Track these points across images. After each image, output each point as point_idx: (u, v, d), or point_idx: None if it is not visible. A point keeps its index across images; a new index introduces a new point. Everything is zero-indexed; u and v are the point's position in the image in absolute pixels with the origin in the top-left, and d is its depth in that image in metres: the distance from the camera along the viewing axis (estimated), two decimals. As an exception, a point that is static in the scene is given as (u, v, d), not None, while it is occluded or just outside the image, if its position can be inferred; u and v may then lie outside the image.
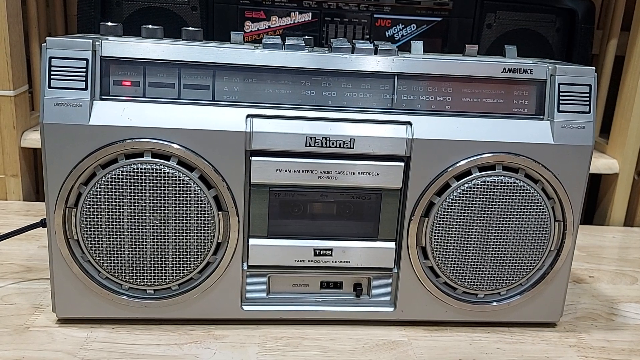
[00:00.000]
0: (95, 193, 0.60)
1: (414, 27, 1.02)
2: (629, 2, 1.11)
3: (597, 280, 0.86)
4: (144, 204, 0.60)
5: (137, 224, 0.61)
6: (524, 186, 0.64)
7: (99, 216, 0.60)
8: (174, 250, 0.62)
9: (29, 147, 1.06)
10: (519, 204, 0.64)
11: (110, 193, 0.60)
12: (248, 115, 0.61)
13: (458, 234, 0.64)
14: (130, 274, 0.62)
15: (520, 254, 0.66)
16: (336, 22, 1.00)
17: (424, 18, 1.02)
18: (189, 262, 0.63)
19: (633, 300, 0.80)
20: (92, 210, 0.60)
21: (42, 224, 0.65)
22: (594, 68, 0.64)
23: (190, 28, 0.65)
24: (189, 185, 0.60)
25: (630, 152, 1.11)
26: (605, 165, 1.12)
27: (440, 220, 0.64)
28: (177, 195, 0.60)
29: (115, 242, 0.61)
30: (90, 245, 0.61)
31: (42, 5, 1.10)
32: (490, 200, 0.64)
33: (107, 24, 0.64)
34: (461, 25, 1.03)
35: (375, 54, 0.64)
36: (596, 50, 1.20)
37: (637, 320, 0.75)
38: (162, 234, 0.61)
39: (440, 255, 0.65)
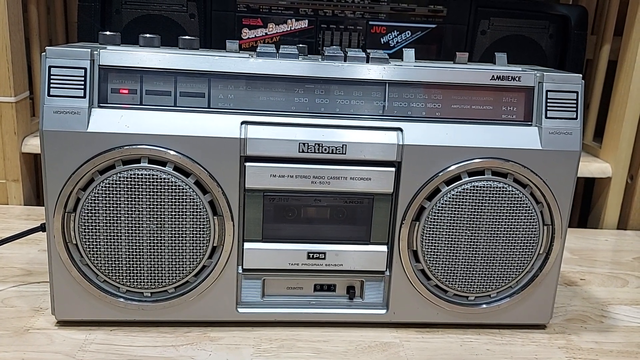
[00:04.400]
0: (94, 198, 0.61)
1: (408, 33, 1.03)
2: (622, 8, 1.13)
3: (589, 283, 0.87)
4: (140, 209, 0.62)
5: (134, 228, 0.62)
6: (512, 191, 0.65)
7: (97, 221, 0.62)
8: (170, 254, 0.63)
9: (30, 153, 1.07)
10: (508, 208, 0.65)
11: (107, 198, 0.61)
12: (242, 122, 0.63)
13: (448, 238, 0.66)
14: (128, 277, 0.64)
15: (509, 257, 0.67)
16: (332, 29, 1.02)
17: (418, 25, 1.03)
18: (185, 266, 0.64)
19: (624, 303, 0.81)
20: (90, 215, 0.61)
21: (42, 228, 0.67)
22: (581, 75, 0.66)
23: (186, 37, 0.67)
24: (184, 191, 0.62)
25: (623, 156, 1.12)
26: (598, 169, 1.13)
27: (430, 224, 0.65)
28: (173, 200, 0.62)
29: (112, 246, 0.62)
30: (88, 249, 0.63)
31: (43, 13, 1.12)
32: (480, 204, 0.65)
33: (105, 33, 0.66)
34: (455, 31, 1.05)
35: (367, 62, 0.65)
36: (590, 56, 1.21)
37: (626, 323, 0.76)
38: (159, 238, 0.63)
39: (431, 259, 0.66)
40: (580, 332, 0.72)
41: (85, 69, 0.60)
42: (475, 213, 0.65)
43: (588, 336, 0.71)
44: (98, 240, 0.62)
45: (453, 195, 0.65)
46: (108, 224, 0.62)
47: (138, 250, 0.63)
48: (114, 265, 0.63)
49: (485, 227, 0.66)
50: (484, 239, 0.66)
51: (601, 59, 1.18)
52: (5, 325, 0.66)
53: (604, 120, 1.17)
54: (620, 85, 1.10)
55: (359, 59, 0.65)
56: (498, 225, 0.66)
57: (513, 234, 0.66)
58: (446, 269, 0.67)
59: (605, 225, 1.16)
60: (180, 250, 0.63)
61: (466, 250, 0.66)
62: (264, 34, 1.01)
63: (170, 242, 0.63)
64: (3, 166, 1.06)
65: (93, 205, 0.61)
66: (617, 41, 1.14)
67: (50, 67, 0.60)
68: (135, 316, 0.66)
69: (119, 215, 0.62)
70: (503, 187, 0.65)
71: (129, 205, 0.61)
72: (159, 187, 0.61)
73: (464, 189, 0.65)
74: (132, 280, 0.64)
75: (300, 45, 0.69)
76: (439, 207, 0.65)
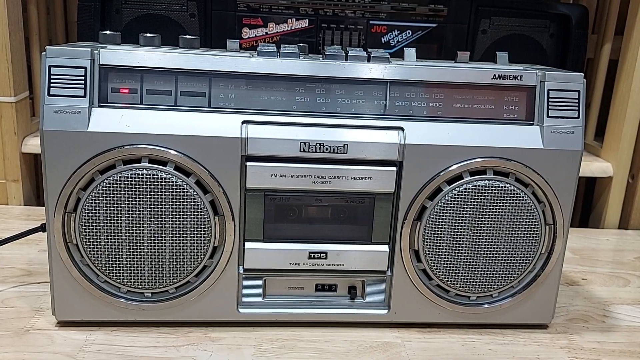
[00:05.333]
0: (94, 198, 0.61)
1: (409, 33, 1.03)
2: (622, 7, 1.13)
3: (591, 283, 0.87)
4: (141, 209, 0.61)
5: (134, 228, 0.62)
6: (514, 190, 0.65)
7: (98, 221, 0.61)
8: (171, 254, 0.63)
9: (30, 153, 1.07)
10: (510, 207, 0.65)
11: (108, 198, 0.61)
12: (243, 122, 0.62)
13: (450, 237, 0.66)
14: (128, 278, 0.63)
15: (511, 257, 0.67)
16: (332, 28, 1.02)
17: (419, 24, 1.03)
18: (185, 266, 0.64)
19: (625, 302, 0.81)
20: (90, 215, 0.61)
21: (42, 228, 0.66)
22: (583, 74, 0.65)
23: (187, 36, 0.67)
24: (185, 191, 0.62)
25: (624, 156, 1.12)
26: (599, 169, 1.13)
27: (432, 224, 0.65)
28: (174, 200, 0.62)
29: (113, 247, 0.62)
30: (89, 250, 0.62)
31: (43, 13, 1.12)
32: (482, 204, 0.65)
33: (105, 32, 0.66)
34: (456, 31, 1.04)
35: (368, 61, 0.65)
36: (591, 55, 1.21)
37: (628, 322, 0.76)
38: (160, 238, 0.62)
39: (433, 258, 0.66)
40: (582, 332, 0.72)
41: (85, 68, 0.60)
42: (477, 213, 0.65)
43: (590, 336, 0.71)
44: (99, 240, 0.62)
45: (454, 194, 0.65)
46: (109, 224, 0.62)
47: (139, 251, 0.63)
48: (114, 265, 0.63)
49: (487, 227, 0.66)
50: (485, 239, 0.66)
51: (602, 58, 1.17)
52: (6, 325, 0.66)
53: (605, 120, 1.16)
54: (621, 84, 1.10)
55: (360, 58, 0.65)
56: (500, 224, 0.66)
57: (515, 233, 0.66)
58: (448, 268, 0.67)
59: (607, 224, 1.15)
60: (181, 250, 0.63)
61: (468, 250, 0.66)
62: (264, 33, 1.01)
63: (171, 242, 0.63)
64: (3, 166, 1.06)
65: (93, 205, 0.61)
66: (618, 40, 1.13)
67: (50, 66, 0.59)
68: (136, 316, 0.66)
69: (119, 215, 0.61)
70: (505, 187, 0.65)
71: (130, 205, 0.61)
72: (159, 186, 0.61)
73: (465, 189, 0.64)
74: (132, 281, 0.64)
75: (301, 44, 0.68)
76: (440, 206, 0.65)
